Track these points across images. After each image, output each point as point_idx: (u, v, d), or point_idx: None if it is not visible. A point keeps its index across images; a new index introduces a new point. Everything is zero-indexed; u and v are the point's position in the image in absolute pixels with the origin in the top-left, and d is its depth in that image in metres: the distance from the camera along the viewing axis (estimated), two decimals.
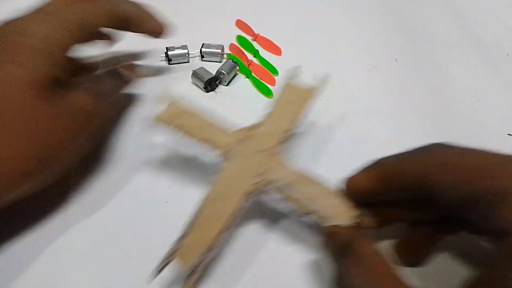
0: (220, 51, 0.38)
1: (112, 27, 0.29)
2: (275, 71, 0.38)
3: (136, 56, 0.37)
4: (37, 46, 0.24)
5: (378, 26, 0.44)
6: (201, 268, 0.22)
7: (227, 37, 0.41)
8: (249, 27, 0.42)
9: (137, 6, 0.30)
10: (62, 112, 0.24)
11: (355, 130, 0.34)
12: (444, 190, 0.19)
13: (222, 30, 0.41)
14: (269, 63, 0.39)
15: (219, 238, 0.22)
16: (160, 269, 0.22)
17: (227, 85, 0.37)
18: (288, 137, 0.26)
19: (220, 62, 0.39)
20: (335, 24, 0.44)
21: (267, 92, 0.37)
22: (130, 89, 0.33)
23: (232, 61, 0.37)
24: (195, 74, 0.36)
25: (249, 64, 0.39)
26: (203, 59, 0.39)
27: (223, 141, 0.25)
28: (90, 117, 0.26)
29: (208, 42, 0.39)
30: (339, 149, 0.32)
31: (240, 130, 0.26)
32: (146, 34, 0.31)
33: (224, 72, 0.36)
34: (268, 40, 0.42)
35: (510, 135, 0.35)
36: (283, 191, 0.24)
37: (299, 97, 0.28)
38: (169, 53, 0.37)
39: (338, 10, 0.46)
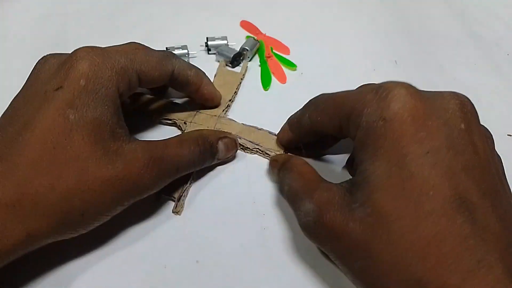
0: (225, 42, 0.39)
1: (170, 86, 0.31)
2: (293, 65, 0.39)
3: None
4: (92, 87, 0.24)
5: (377, 27, 0.44)
6: (184, 194, 0.29)
7: (236, 37, 0.41)
8: (255, 27, 0.43)
9: (199, 72, 0.32)
10: (120, 169, 0.23)
11: None
12: (326, 127, 0.27)
13: (227, 30, 0.41)
14: (286, 59, 0.40)
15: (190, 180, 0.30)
16: (155, 200, 0.29)
17: (250, 60, 0.40)
18: (228, 107, 0.35)
19: None
20: (334, 26, 0.44)
21: (265, 84, 0.38)
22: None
23: (254, 39, 0.40)
24: (219, 52, 0.39)
25: (269, 57, 0.40)
26: (209, 52, 0.39)
27: (182, 116, 0.33)
28: (140, 189, 0.25)
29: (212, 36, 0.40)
30: (339, 151, 0.33)
31: (193, 105, 0.34)
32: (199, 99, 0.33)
33: (247, 48, 0.39)
34: (275, 40, 0.42)
35: (510, 135, 0.35)
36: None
37: (232, 77, 0.37)
38: None
39: (338, 11, 0.46)
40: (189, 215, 0.29)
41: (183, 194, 0.29)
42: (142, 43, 0.29)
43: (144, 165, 0.24)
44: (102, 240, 0.27)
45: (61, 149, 0.22)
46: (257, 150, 0.32)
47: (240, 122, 0.33)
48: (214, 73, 0.37)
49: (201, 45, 0.40)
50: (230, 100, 0.35)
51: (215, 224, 0.28)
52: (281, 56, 0.40)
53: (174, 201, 0.29)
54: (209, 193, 0.30)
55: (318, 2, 0.46)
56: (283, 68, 0.39)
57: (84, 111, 0.23)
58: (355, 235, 0.21)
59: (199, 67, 0.32)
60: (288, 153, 0.31)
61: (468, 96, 0.24)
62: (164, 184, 0.27)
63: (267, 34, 0.42)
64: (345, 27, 0.44)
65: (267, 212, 0.29)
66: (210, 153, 0.29)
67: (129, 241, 0.27)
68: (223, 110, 0.34)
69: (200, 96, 0.32)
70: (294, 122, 0.30)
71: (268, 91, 0.37)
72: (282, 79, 0.38)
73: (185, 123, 0.33)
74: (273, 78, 0.38)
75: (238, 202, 0.30)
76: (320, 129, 0.27)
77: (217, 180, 0.31)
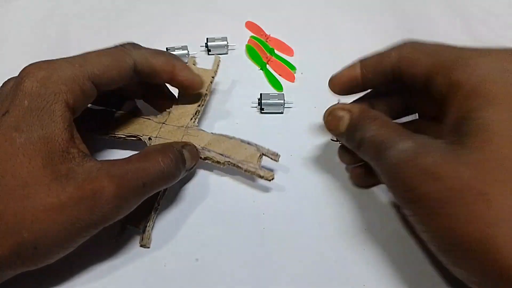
0: (225, 43, 0.39)
1: (138, 80, 0.28)
2: (293, 67, 0.39)
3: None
4: (37, 105, 0.22)
5: (377, 27, 0.44)
6: (150, 223, 0.27)
7: (237, 37, 0.41)
8: (260, 28, 0.43)
9: (168, 58, 0.28)
10: (71, 194, 0.21)
11: None
12: (416, 78, 0.25)
13: (228, 31, 0.41)
14: (287, 60, 0.40)
15: (156, 204, 0.28)
16: (119, 233, 0.27)
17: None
18: (198, 113, 0.31)
19: (226, 54, 0.40)
20: (334, 26, 0.44)
21: (277, 87, 0.38)
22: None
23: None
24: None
25: (269, 60, 0.40)
26: (209, 53, 0.39)
27: (146, 130, 0.30)
28: (99, 215, 0.22)
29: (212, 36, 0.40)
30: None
31: (159, 116, 0.31)
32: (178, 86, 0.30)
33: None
34: (279, 41, 0.42)
35: None
36: (203, 152, 0.29)
37: (203, 75, 0.31)
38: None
39: (338, 11, 0.46)
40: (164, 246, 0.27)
41: (149, 224, 0.27)
42: (140, 44, 0.28)
43: (100, 187, 0.21)
44: (64, 276, 0.25)
45: (8, 177, 0.21)
46: (228, 163, 0.28)
47: (209, 132, 0.30)
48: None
49: (201, 46, 0.40)
50: (199, 105, 0.31)
51: (215, 224, 0.28)
52: (281, 57, 0.40)
53: (139, 232, 0.27)
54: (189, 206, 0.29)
55: (319, 2, 0.46)
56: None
57: (30, 132, 0.21)
58: (465, 179, 0.20)
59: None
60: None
61: None
62: (129, 208, 0.23)
63: (271, 35, 0.42)
64: (345, 26, 0.44)
65: (267, 212, 0.29)
66: (181, 161, 0.26)
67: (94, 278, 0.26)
68: (192, 119, 0.30)
69: (176, 84, 0.29)
70: (371, 59, 0.28)
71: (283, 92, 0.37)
72: (291, 78, 0.39)
73: (150, 138, 0.29)
74: (281, 79, 0.38)
75: (238, 202, 0.30)
76: (406, 70, 0.25)
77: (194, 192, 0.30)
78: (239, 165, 0.28)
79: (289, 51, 0.41)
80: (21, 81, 0.22)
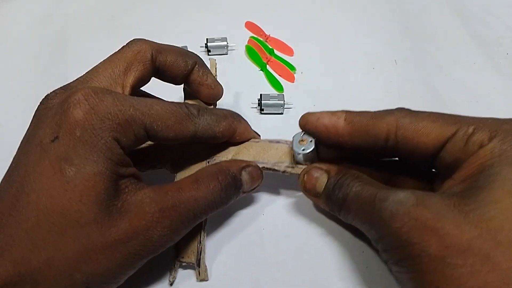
0: (225, 43, 0.39)
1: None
2: (292, 68, 0.39)
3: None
4: (89, 138, 0.20)
5: (377, 27, 0.44)
6: (202, 255, 0.25)
7: (237, 38, 0.41)
8: (260, 28, 0.43)
9: (232, 123, 0.27)
10: (125, 231, 0.21)
11: None
12: (423, 145, 0.23)
13: (232, 31, 0.41)
14: (286, 61, 0.40)
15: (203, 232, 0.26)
16: (174, 277, 0.25)
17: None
18: None
19: (226, 54, 0.40)
20: (334, 26, 0.44)
21: (278, 87, 0.38)
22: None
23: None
24: None
25: (269, 61, 0.40)
26: (209, 53, 0.39)
27: (167, 157, 0.28)
28: (151, 248, 0.22)
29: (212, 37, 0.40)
30: None
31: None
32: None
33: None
34: (279, 41, 0.42)
35: None
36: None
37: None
38: None
39: (338, 11, 0.46)
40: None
41: (201, 255, 0.25)
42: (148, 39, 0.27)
43: (152, 220, 0.21)
44: None
45: (58, 216, 0.20)
46: (264, 168, 0.27)
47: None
48: None
49: (201, 46, 0.40)
50: None
51: (215, 224, 0.28)
52: (281, 58, 0.40)
53: (192, 267, 0.25)
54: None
55: (319, 2, 0.46)
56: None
57: (81, 166, 0.20)
58: (468, 238, 0.18)
59: None
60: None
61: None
62: (180, 236, 0.23)
63: (271, 35, 0.42)
64: (345, 26, 0.44)
65: (267, 212, 0.29)
66: (234, 187, 0.25)
67: None
68: None
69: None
70: (360, 116, 0.24)
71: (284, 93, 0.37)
72: (290, 78, 0.39)
73: (177, 172, 0.27)
74: (281, 79, 0.38)
75: (238, 202, 0.30)
76: (411, 137, 0.23)
77: None
78: (276, 168, 0.27)
79: (289, 51, 0.41)
80: (72, 106, 0.21)
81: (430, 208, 0.20)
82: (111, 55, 0.26)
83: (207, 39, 0.40)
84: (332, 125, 0.25)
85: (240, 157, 0.27)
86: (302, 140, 0.26)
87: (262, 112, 0.35)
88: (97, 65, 0.25)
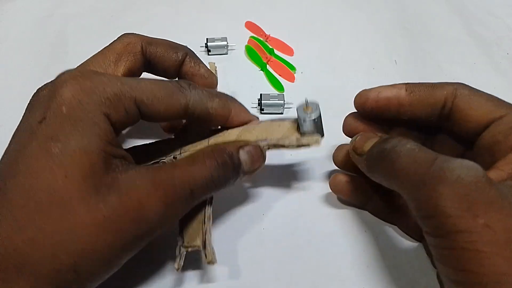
0: (225, 43, 0.39)
1: (188, 122, 0.27)
2: (292, 68, 0.39)
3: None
4: (76, 114, 0.20)
5: (377, 26, 0.44)
6: (207, 236, 0.23)
7: (237, 38, 0.41)
8: (260, 28, 0.43)
9: (225, 101, 0.26)
10: (114, 206, 0.19)
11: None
12: (467, 118, 0.24)
13: (232, 31, 0.41)
14: (286, 61, 0.40)
15: (207, 212, 0.24)
16: (181, 264, 0.24)
17: None
18: None
19: (226, 54, 0.40)
20: (334, 25, 0.44)
21: (278, 87, 0.37)
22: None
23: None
24: None
25: (269, 61, 0.40)
26: (209, 53, 0.39)
27: (168, 151, 0.27)
28: (145, 226, 0.20)
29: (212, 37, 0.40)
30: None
31: (175, 134, 0.28)
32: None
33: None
34: (279, 40, 0.42)
35: None
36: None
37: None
38: None
39: (338, 11, 0.46)
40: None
41: (207, 237, 0.23)
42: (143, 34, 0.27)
43: (145, 194, 0.20)
44: None
45: (43, 194, 0.19)
46: (268, 146, 0.26)
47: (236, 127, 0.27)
48: None
49: (201, 46, 0.40)
50: None
51: (215, 223, 0.28)
52: (281, 58, 0.40)
53: (198, 250, 0.23)
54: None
55: (318, 2, 0.46)
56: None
57: (67, 143, 0.19)
58: None
59: None
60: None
61: None
62: (179, 216, 0.22)
63: (271, 35, 0.42)
64: (345, 26, 0.44)
65: (267, 212, 0.29)
66: (232, 166, 0.23)
67: None
68: None
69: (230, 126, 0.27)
70: (420, 86, 0.25)
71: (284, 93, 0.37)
72: (291, 78, 0.39)
73: (174, 157, 0.26)
74: (281, 79, 0.38)
75: (238, 201, 0.30)
76: (464, 108, 0.24)
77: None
78: (280, 142, 0.25)
79: (289, 51, 0.41)
80: (59, 87, 0.20)
81: (496, 186, 0.19)
82: (102, 49, 0.26)
83: (207, 39, 0.40)
84: (394, 96, 0.25)
85: (243, 139, 0.26)
86: (307, 107, 0.25)
87: (262, 112, 0.35)
88: (87, 59, 0.25)
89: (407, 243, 0.27)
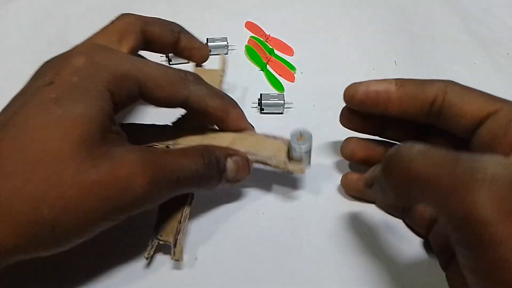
0: (226, 43, 0.39)
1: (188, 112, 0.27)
2: (292, 68, 0.39)
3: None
4: (84, 84, 0.21)
5: (377, 27, 0.44)
6: (180, 235, 0.25)
7: (237, 38, 0.41)
8: (260, 28, 0.43)
9: (225, 103, 0.27)
10: (104, 173, 0.20)
11: (352, 132, 0.34)
12: (461, 114, 0.23)
13: (232, 31, 0.41)
14: (286, 61, 0.40)
15: (185, 213, 0.25)
16: (150, 254, 0.25)
17: None
18: None
19: (227, 54, 0.40)
20: (334, 26, 0.44)
21: (279, 87, 0.37)
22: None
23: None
24: None
25: (269, 60, 0.39)
26: (210, 53, 0.39)
27: (162, 138, 0.27)
28: (130, 199, 0.21)
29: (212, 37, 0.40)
30: (337, 150, 0.33)
31: (173, 122, 0.29)
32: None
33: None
34: (279, 40, 0.42)
35: None
36: None
37: (210, 76, 0.31)
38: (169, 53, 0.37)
39: (338, 11, 0.46)
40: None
41: (179, 236, 0.25)
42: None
43: (136, 169, 0.20)
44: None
45: (36, 148, 0.19)
46: (256, 160, 0.27)
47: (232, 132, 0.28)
48: None
49: (161, 56, 0.39)
50: None
51: (215, 223, 0.28)
52: (281, 58, 0.40)
53: (169, 245, 0.25)
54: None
55: (318, 2, 0.46)
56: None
57: (70, 107, 0.20)
58: None
59: None
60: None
61: None
62: (161, 199, 0.23)
63: (271, 35, 0.42)
64: (345, 26, 0.44)
65: (267, 212, 0.29)
66: (216, 169, 0.24)
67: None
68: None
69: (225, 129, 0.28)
70: (409, 81, 0.25)
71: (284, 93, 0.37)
72: (291, 78, 0.38)
73: (167, 146, 0.27)
74: (281, 79, 0.38)
75: (238, 201, 0.30)
76: (455, 104, 0.23)
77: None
78: (267, 161, 0.26)
79: (289, 51, 0.41)
80: (74, 56, 0.22)
81: None
82: (102, 28, 0.27)
83: (207, 39, 0.40)
84: (384, 90, 0.25)
85: (234, 147, 0.27)
86: (300, 137, 0.26)
87: (262, 112, 0.35)
88: (90, 37, 0.27)
89: (407, 245, 0.27)
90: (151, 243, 0.25)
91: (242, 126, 0.28)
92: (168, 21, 0.31)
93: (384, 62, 0.40)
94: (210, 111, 0.26)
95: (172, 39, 0.30)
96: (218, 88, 0.30)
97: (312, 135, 0.26)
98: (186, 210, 0.25)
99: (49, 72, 0.22)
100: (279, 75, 0.39)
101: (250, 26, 0.43)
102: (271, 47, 0.41)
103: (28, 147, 0.19)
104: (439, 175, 0.17)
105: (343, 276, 0.26)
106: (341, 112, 0.28)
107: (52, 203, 0.19)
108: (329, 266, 0.26)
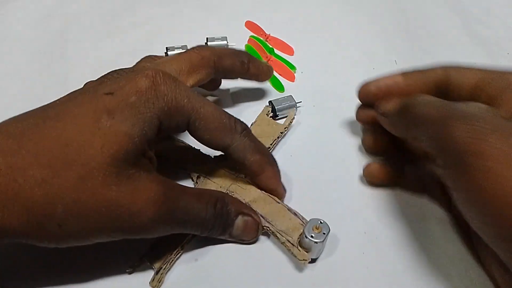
0: (225, 42, 0.39)
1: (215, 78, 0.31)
2: (292, 67, 0.39)
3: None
4: (139, 106, 0.22)
5: (377, 27, 0.44)
6: (166, 266, 0.25)
7: (237, 37, 0.41)
8: (260, 27, 0.43)
9: (262, 162, 0.27)
10: (124, 194, 0.21)
11: (353, 132, 0.34)
12: (459, 86, 0.27)
13: (232, 31, 0.41)
14: (287, 60, 0.40)
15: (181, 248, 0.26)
16: (132, 271, 0.25)
17: None
18: None
19: None
20: (334, 26, 0.44)
21: (279, 87, 0.37)
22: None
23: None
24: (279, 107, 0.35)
25: (269, 60, 0.40)
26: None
27: (199, 168, 0.29)
28: (135, 226, 0.21)
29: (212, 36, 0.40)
30: (337, 150, 0.33)
31: (215, 156, 0.30)
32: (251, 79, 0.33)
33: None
34: (279, 40, 0.42)
35: None
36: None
37: (271, 129, 0.32)
38: (169, 53, 0.37)
39: (338, 11, 0.46)
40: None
41: (165, 266, 0.25)
42: (139, 44, 0.28)
43: (152, 201, 0.21)
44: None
45: (73, 149, 0.20)
46: (267, 228, 0.26)
47: (260, 190, 0.28)
48: None
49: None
50: None
51: None
52: (281, 57, 0.40)
53: (152, 269, 0.25)
54: None
55: (319, 2, 0.46)
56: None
57: (118, 122, 0.21)
58: None
59: None
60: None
61: None
62: (163, 232, 0.23)
63: (271, 35, 0.42)
64: (345, 26, 0.44)
65: None
66: (222, 222, 0.25)
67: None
68: None
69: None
70: (413, 71, 0.29)
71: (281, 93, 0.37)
72: (291, 77, 0.38)
73: (198, 177, 0.28)
74: (282, 79, 0.38)
75: None
76: (455, 80, 0.27)
77: None
78: (277, 235, 0.26)
79: (289, 50, 0.41)
80: (140, 77, 0.22)
81: (499, 116, 0.22)
82: (177, 55, 0.29)
83: (207, 38, 0.40)
84: (393, 81, 0.29)
85: (254, 206, 0.27)
86: (317, 228, 0.25)
87: (277, 117, 0.34)
88: (162, 60, 0.28)
89: (407, 245, 0.27)
90: (139, 259, 0.25)
91: (273, 186, 0.28)
92: (238, 51, 0.32)
93: (384, 62, 0.40)
94: (247, 164, 0.26)
95: (243, 70, 0.32)
96: (273, 143, 0.31)
97: (330, 230, 0.25)
98: (184, 245, 0.26)
99: (114, 83, 0.22)
100: (279, 74, 0.39)
101: (250, 25, 0.43)
102: (271, 46, 0.41)
103: (67, 146, 0.20)
104: (432, 114, 0.23)
105: (343, 277, 0.26)
106: (356, 112, 0.31)
107: (67, 204, 0.20)
108: (329, 267, 0.26)
